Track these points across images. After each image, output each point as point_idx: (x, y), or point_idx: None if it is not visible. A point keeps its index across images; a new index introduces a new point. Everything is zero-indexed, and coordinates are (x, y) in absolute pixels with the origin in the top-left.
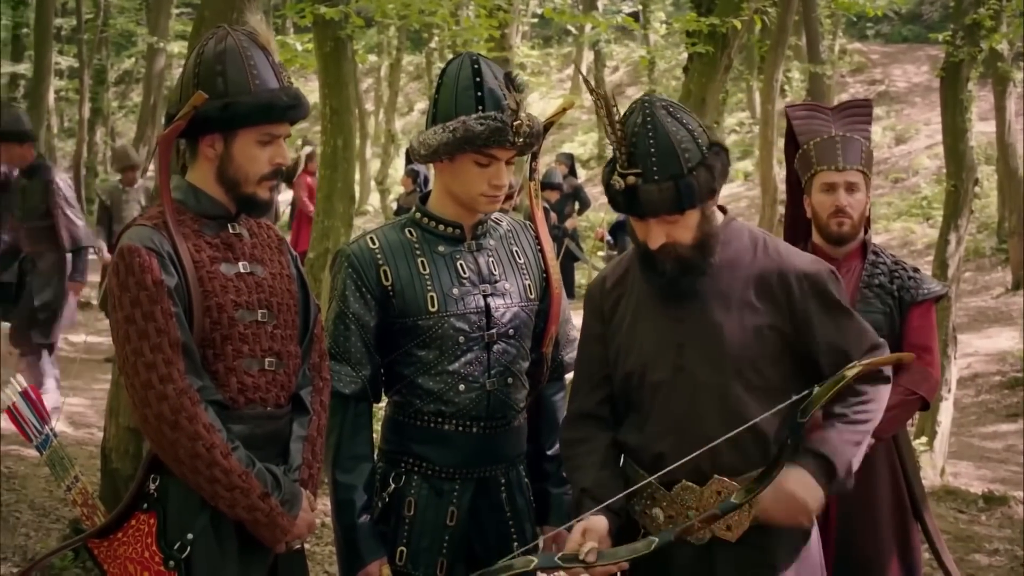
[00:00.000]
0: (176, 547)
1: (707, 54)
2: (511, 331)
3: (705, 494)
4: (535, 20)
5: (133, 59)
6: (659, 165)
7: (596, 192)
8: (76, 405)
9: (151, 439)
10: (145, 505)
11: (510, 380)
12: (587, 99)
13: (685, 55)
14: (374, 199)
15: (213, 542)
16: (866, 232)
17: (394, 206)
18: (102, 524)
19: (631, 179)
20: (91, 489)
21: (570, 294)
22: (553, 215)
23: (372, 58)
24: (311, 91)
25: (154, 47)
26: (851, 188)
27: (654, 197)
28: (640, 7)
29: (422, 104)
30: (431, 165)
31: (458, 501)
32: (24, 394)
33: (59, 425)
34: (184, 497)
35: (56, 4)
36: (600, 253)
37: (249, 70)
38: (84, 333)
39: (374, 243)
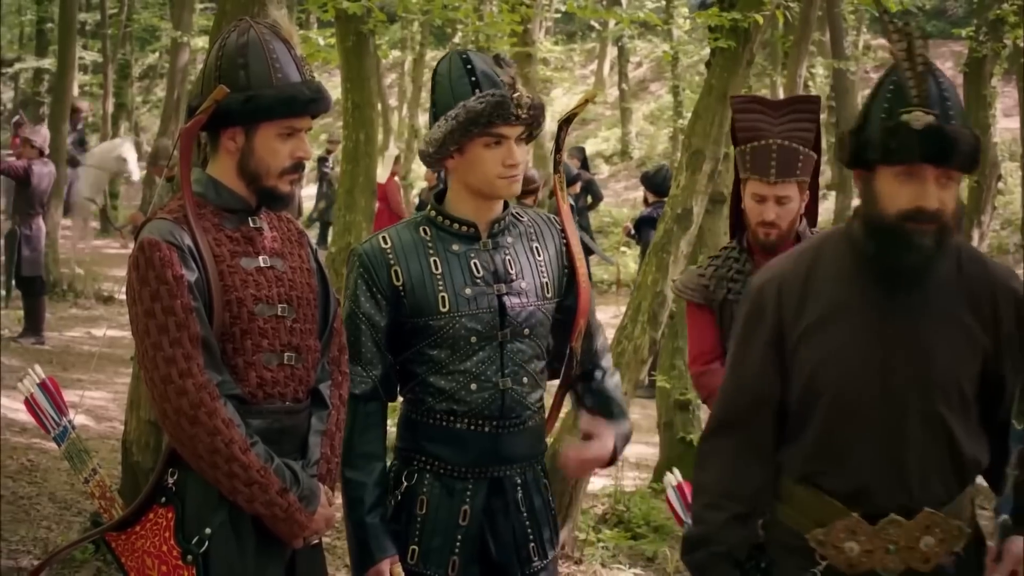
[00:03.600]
0: (194, 541)
1: (729, 49)
2: (526, 330)
3: (914, 529)
4: (558, 15)
5: (157, 54)
6: (954, 110)
7: (618, 187)
8: (98, 399)
9: (170, 434)
10: (163, 499)
11: (525, 380)
12: (611, 94)
13: (708, 50)
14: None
15: (231, 537)
16: (800, 224)
17: (416, 201)
18: (120, 517)
19: (931, 118)
20: (109, 482)
21: None
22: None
23: (395, 53)
24: (334, 86)
25: (178, 42)
26: (781, 201)
27: (959, 140)
28: (663, 2)
29: None
30: (445, 164)
31: (471, 500)
32: (42, 385)
33: (80, 419)
34: (202, 491)
35: None
36: (623, 248)
37: (271, 63)
38: (106, 327)
39: (386, 242)
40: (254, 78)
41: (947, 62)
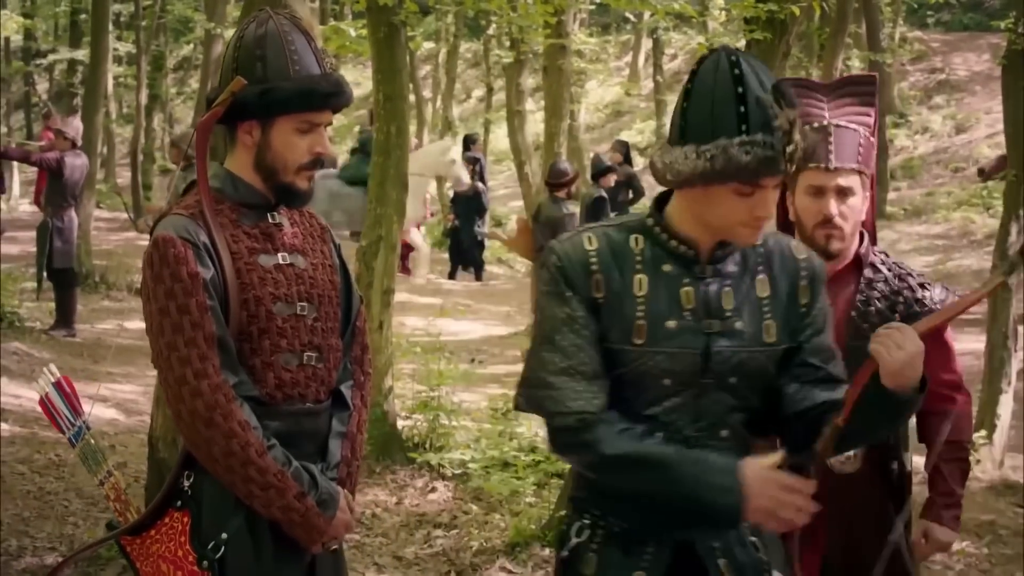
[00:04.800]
0: (210, 546)
1: (765, 41)
2: (734, 379)
3: None
4: (593, 7)
5: (191, 45)
6: None
7: (653, 180)
8: (128, 392)
9: (185, 436)
10: (179, 503)
11: (724, 434)
12: (645, 86)
13: (743, 42)
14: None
15: (248, 542)
16: (861, 242)
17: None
18: (135, 521)
19: None
20: (125, 484)
21: None
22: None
23: (429, 45)
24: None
25: (211, 33)
26: (843, 193)
27: None
28: None
29: (479, 91)
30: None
31: (649, 565)
32: (57, 385)
33: (110, 412)
34: (219, 495)
35: None
36: None
37: (289, 55)
38: (139, 320)
39: (591, 243)
40: (271, 70)
41: (984, 54)
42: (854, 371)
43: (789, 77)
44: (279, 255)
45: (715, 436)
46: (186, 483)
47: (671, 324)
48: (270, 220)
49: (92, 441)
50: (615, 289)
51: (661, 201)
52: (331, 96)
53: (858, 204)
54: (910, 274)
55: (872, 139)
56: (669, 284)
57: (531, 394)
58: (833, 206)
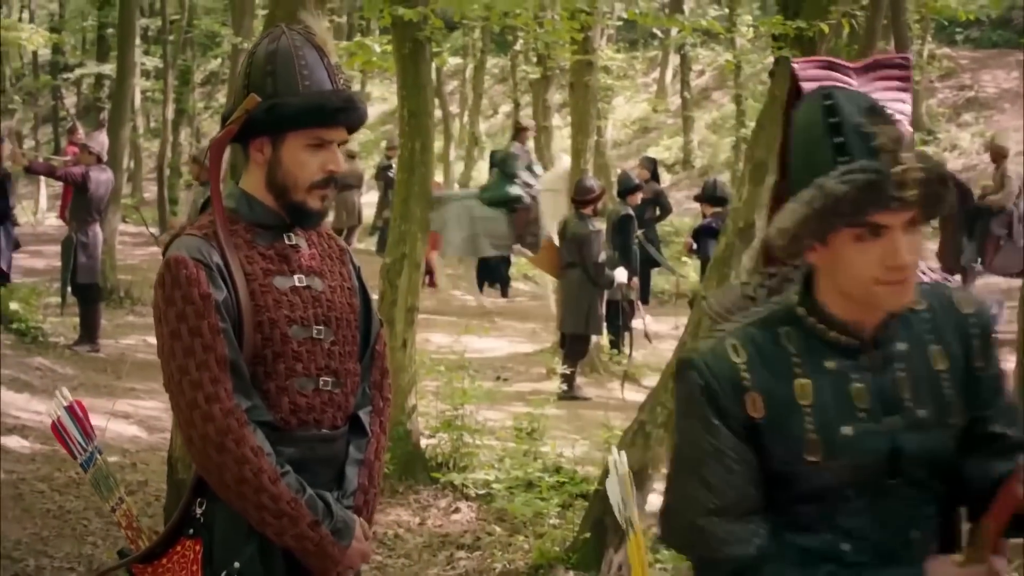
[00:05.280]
0: (223, 575)
1: (793, 59)
2: (923, 474)
3: None
4: (620, 23)
5: (219, 60)
6: None
7: (680, 196)
8: (151, 408)
9: (196, 461)
10: (191, 530)
11: (914, 535)
12: (673, 102)
13: (771, 59)
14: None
15: (260, 571)
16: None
17: None
18: (146, 548)
19: None
20: (136, 511)
21: (645, 300)
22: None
23: (456, 60)
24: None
25: (238, 48)
26: None
27: None
28: (726, 10)
29: (506, 107)
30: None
31: None
32: (69, 409)
33: (133, 429)
34: (231, 523)
35: (142, 4)
36: (684, 259)
37: (299, 70)
38: None
39: (737, 354)
40: (281, 85)
41: (1013, 72)
42: None
43: (808, 58)
44: (295, 277)
45: (904, 537)
46: (198, 510)
47: (847, 431)
48: (286, 241)
49: (104, 466)
50: (775, 405)
51: (807, 283)
52: (341, 111)
53: None
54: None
55: (912, 135)
56: (836, 384)
57: (679, 534)
58: None
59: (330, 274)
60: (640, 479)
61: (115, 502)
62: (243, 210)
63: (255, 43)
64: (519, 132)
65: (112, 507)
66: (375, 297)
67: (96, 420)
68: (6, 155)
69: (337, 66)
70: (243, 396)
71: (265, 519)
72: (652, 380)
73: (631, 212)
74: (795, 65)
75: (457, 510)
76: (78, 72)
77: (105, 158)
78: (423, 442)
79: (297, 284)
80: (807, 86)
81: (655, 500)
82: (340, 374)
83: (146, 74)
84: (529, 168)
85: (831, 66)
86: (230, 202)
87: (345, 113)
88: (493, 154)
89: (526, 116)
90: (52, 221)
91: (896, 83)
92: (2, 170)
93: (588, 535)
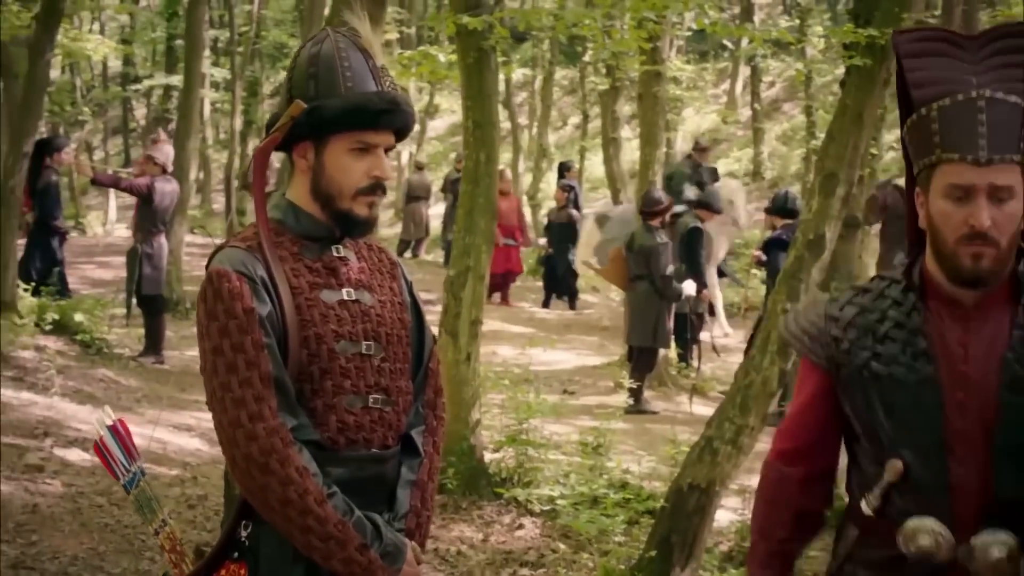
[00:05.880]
0: None
1: (865, 67)
2: None
3: None
4: (689, 33)
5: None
6: None
7: (750, 208)
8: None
9: (240, 482)
10: (236, 554)
11: None
12: (743, 114)
13: (842, 69)
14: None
15: None
16: (1018, 260)
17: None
18: (190, 573)
19: None
20: (180, 535)
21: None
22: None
23: (525, 72)
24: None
25: None
26: (999, 195)
27: None
28: (797, 21)
29: (575, 118)
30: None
31: None
32: (112, 429)
33: (195, 442)
34: (277, 546)
35: (211, 16)
36: (752, 271)
37: (342, 72)
38: None
39: None
40: (322, 87)
41: None
42: (1011, 435)
43: (915, 28)
44: (343, 291)
45: None
46: (243, 533)
47: None
48: (334, 253)
49: (147, 488)
50: None
51: None
52: (384, 113)
53: (1018, 209)
54: None
55: None
56: None
57: None
58: (984, 213)
59: (380, 288)
60: (707, 496)
61: (158, 524)
62: (289, 221)
63: (299, 47)
64: (696, 151)
65: (155, 530)
66: (438, 309)
67: (159, 432)
68: (67, 162)
69: (383, 68)
70: (288, 414)
71: (311, 542)
72: (720, 394)
73: (700, 225)
74: (898, 38)
75: (521, 526)
76: (147, 84)
77: (170, 169)
78: (487, 457)
79: (345, 298)
80: (909, 63)
81: (723, 517)
82: (391, 392)
83: (215, 85)
84: (700, 184)
85: (942, 37)
86: (276, 213)
87: (389, 115)
88: (560, 165)
89: (703, 138)
90: (121, 232)
91: (1020, 55)
92: (50, 178)
93: (654, 553)
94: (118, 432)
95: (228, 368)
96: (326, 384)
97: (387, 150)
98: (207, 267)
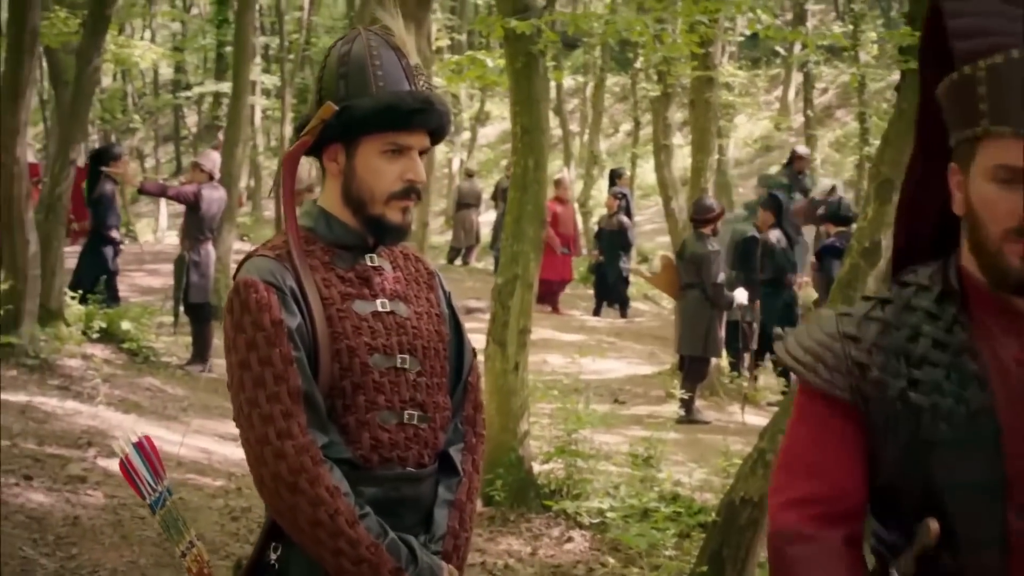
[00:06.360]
0: None
1: None
2: None
3: None
4: (742, 39)
5: None
6: None
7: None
8: None
9: (268, 503)
10: None
11: None
12: (796, 120)
13: (895, 76)
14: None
15: None
16: None
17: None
18: None
19: None
20: (208, 556)
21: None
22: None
23: (576, 78)
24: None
25: None
26: None
27: None
28: (850, 27)
29: (627, 125)
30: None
31: None
32: (138, 446)
33: (240, 452)
34: (308, 569)
35: (262, 23)
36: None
37: (373, 71)
38: None
39: None
40: (352, 87)
41: None
42: None
43: None
44: (377, 302)
45: None
46: (272, 556)
47: None
48: (368, 263)
49: (174, 508)
50: None
51: None
52: (417, 113)
53: None
54: None
55: None
56: None
57: None
58: None
59: (416, 299)
60: (760, 510)
61: (185, 546)
62: (320, 229)
63: (330, 47)
64: (794, 160)
65: (182, 552)
66: (487, 317)
67: (205, 442)
68: (119, 171)
69: (418, 67)
70: (318, 431)
71: (343, 565)
72: (773, 405)
73: (756, 233)
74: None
75: (570, 539)
76: (197, 91)
77: (217, 176)
78: (536, 468)
79: (379, 309)
80: (951, 5)
81: None
82: (427, 407)
83: (266, 93)
84: (804, 192)
85: None
86: (307, 220)
87: (423, 114)
88: (612, 172)
89: (801, 146)
90: (172, 239)
91: None
92: (106, 188)
93: (705, 568)
94: (144, 449)
95: (255, 383)
96: (359, 399)
97: (422, 153)
98: (234, 277)
